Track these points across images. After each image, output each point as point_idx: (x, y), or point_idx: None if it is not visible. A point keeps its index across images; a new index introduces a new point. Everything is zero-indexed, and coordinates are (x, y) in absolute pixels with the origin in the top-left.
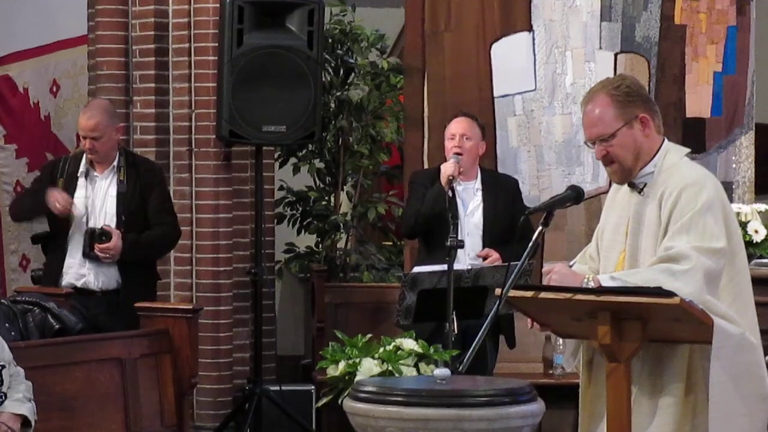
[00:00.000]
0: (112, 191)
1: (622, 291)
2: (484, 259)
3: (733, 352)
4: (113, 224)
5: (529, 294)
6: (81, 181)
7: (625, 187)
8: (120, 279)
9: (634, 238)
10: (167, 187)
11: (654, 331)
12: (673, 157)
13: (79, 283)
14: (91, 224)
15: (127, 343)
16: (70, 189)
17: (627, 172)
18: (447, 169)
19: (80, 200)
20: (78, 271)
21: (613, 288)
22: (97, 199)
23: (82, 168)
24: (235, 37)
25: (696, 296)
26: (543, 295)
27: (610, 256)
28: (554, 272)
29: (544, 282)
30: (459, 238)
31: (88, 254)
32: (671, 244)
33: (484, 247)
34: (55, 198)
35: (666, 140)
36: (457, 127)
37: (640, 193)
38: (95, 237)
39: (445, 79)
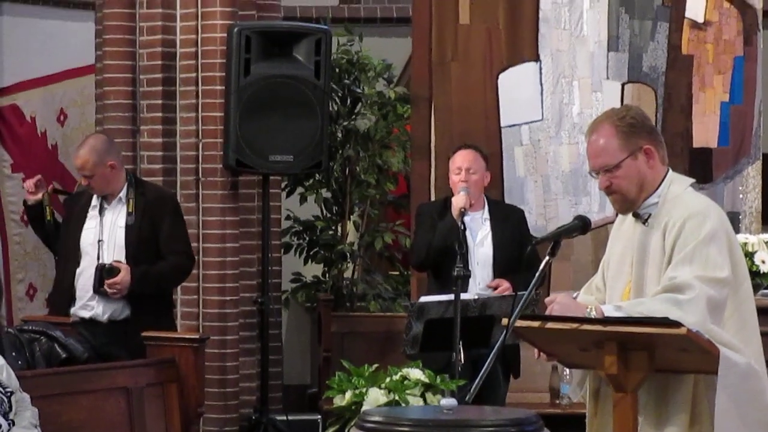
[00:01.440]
0: (121, 222)
1: (628, 321)
2: (495, 289)
3: (738, 381)
4: (122, 256)
5: (536, 324)
6: (92, 213)
7: (630, 217)
8: (129, 310)
9: (640, 269)
10: (181, 215)
11: (660, 361)
12: (677, 187)
13: (87, 315)
14: (102, 256)
15: (133, 372)
16: (80, 221)
17: (630, 203)
18: (459, 201)
19: (90, 231)
20: (87, 302)
21: (619, 318)
22: (105, 231)
23: (94, 201)
24: (242, 66)
25: (700, 325)
26: (550, 325)
27: (616, 286)
28: (557, 302)
29: (547, 312)
30: (469, 268)
31: (98, 290)
32: (674, 274)
33: (494, 276)
34: (27, 185)
35: (670, 171)
36: (462, 160)
37: (644, 223)
38: (104, 273)
39: (452, 108)
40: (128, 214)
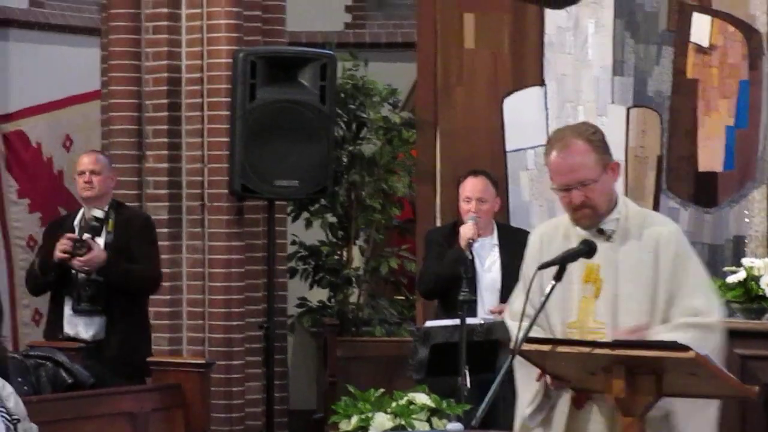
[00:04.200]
0: (101, 240)
1: (637, 344)
2: (499, 314)
3: None
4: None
5: (546, 348)
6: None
7: (563, 237)
8: (106, 329)
9: (613, 284)
10: (149, 234)
11: (669, 385)
12: (632, 204)
13: (72, 333)
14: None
15: (138, 397)
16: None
17: (599, 218)
18: (466, 232)
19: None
20: (71, 320)
21: (629, 342)
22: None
23: (79, 216)
24: (248, 91)
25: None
26: (560, 349)
27: (567, 306)
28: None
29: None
30: (476, 293)
31: (77, 309)
32: (699, 303)
33: (502, 302)
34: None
35: None
36: (473, 189)
37: (608, 239)
38: (75, 247)
39: (457, 133)
40: (107, 232)
